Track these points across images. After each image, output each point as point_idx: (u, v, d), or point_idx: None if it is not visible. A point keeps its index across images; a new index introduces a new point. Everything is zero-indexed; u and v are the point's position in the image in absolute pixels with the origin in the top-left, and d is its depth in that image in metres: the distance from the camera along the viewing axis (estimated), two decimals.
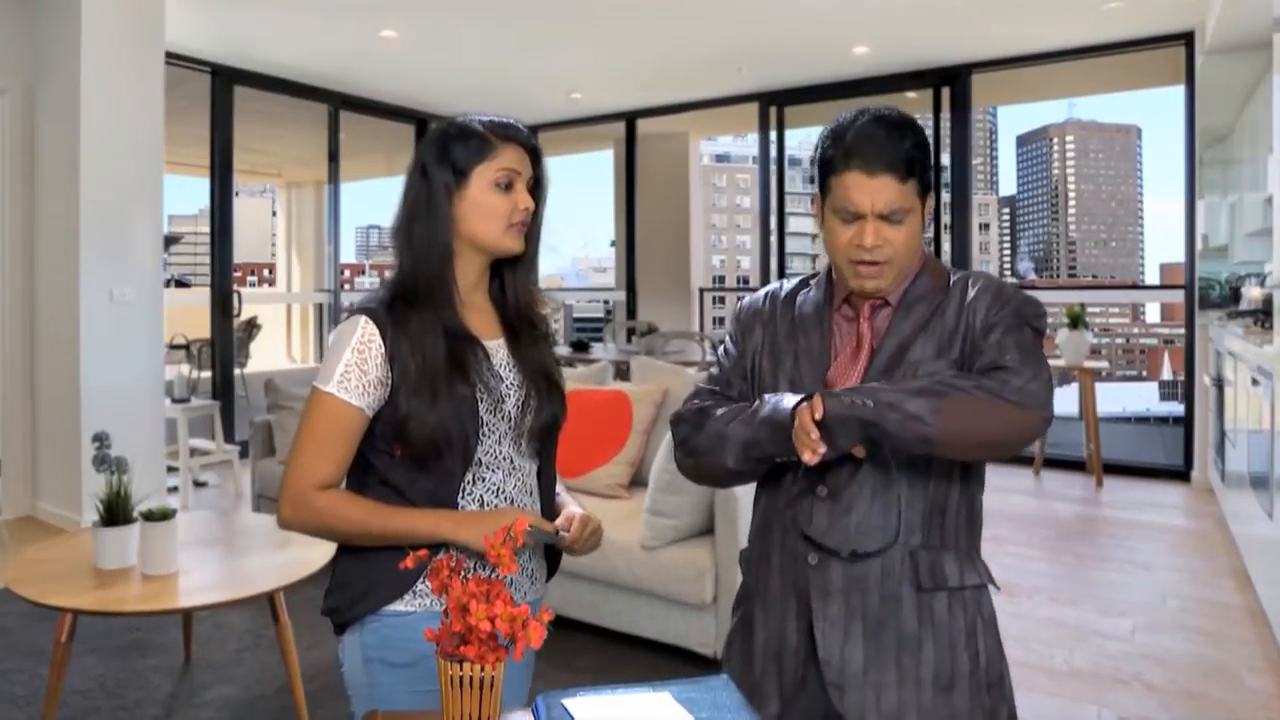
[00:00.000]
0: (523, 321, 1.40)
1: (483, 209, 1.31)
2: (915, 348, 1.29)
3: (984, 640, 1.30)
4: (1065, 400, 7.11)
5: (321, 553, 2.59)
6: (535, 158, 1.36)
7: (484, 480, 1.32)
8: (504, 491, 1.34)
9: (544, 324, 1.44)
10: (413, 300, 1.28)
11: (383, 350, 1.25)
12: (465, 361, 1.28)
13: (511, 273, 1.40)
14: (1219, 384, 4.87)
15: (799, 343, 1.37)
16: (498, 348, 1.35)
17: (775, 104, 7.39)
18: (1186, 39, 5.72)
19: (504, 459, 1.34)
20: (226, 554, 2.79)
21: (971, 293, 1.32)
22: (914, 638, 1.26)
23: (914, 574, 1.26)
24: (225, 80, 6.43)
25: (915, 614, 1.26)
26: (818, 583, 1.29)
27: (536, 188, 1.38)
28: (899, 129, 1.27)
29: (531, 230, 1.38)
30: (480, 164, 1.30)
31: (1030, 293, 1.36)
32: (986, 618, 1.32)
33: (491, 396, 1.30)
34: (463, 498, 1.30)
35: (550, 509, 1.41)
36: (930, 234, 6.70)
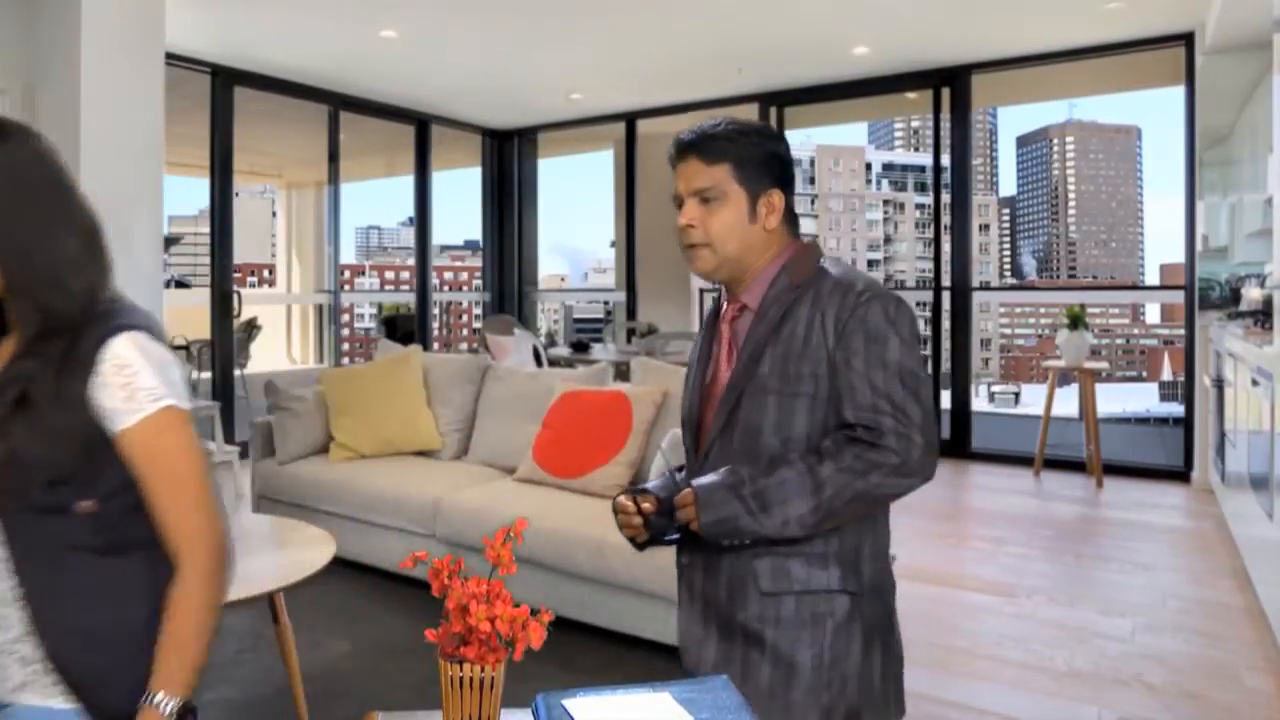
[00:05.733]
0: None
1: None
2: (766, 358, 1.34)
3: (831, 641, 1.32)
4: (1065, 401, 7.10)
5: (321, 553, 2.59)
6: None
7: None
8: None
9: None
10: None
11: None
12: None
13: None
14: (1219, 385, 4.87)
15: (698, 352, 1.49)
16: None
17: (775, 104, 7.39)
18: (1186, 39, 5.72)
19: None
20: None
21: (823, 295, 1.33)
22: (758, 635, 1.34)
23: (756, 578, 1.33)
24: (225, 80, 6.43)
25: (759, 613, 1.33)
26: (685, 581, 1.45)
27: None
28: (722, 126, 1.38)
29: None
30: None
31: (893, 289, 1.40)
32: (839, 620, 1.32)
33: None
34: None
35: None
36: (930, 234, 6.68)
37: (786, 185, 1.40)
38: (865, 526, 1.36)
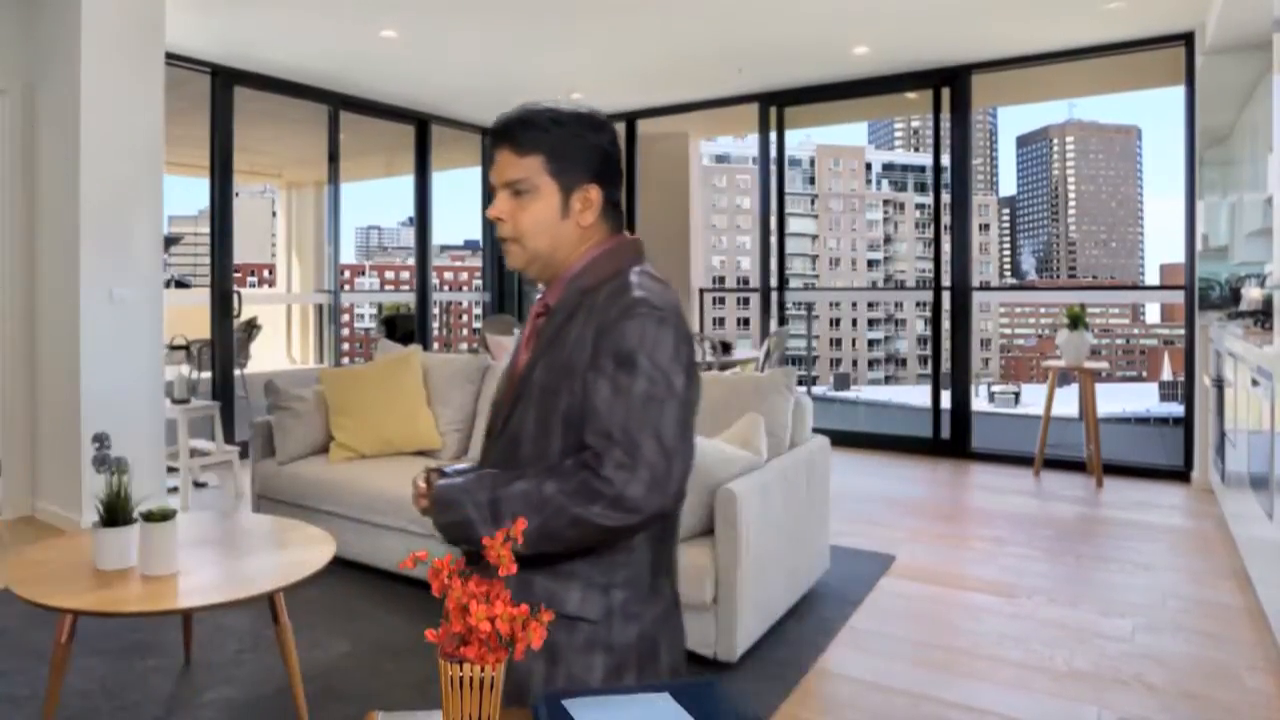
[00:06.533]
0: None
1: None
2: (539, 366, 1.27)
3: (566, 665, 1.24)
4: (1065, 400, 7.11)
5: (321, 553, 2.59)
6: None
7: None
8: None
9: None
10: None
11: None
12: None
13: None
14: (1219, 384, 4.87)
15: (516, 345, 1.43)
16: None
17: (775, 104, 7.39)
18: (1186, 39, 5.72)
19: None
20: (226, 555, 2.79)
21: (597, 303, 1.25)
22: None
23: (516, 590, 1.30)
24: (225, 80, 6.43)
25: None
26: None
27: None
28: (538, 114, 1.33)
29: None
30: None
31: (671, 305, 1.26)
32: (576, 650, 1.25)
33: None
34: None
35: None
36: (930, 234, 6.68)
37: (607, 179, 1.32)
38: (620, 551, 1.26)
